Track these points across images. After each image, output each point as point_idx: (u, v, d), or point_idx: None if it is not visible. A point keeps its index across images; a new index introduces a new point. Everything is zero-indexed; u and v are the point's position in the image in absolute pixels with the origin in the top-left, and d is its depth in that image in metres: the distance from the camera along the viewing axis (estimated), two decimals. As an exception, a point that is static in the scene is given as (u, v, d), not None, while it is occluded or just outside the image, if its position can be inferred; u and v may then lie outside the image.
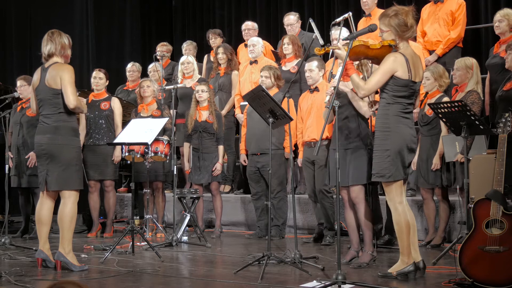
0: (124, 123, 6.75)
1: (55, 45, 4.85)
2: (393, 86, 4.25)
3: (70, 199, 4.83)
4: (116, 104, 7.08)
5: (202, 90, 6.89)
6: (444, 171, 5.65)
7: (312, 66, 6.04)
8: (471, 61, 5.68)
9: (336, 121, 4.25)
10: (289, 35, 7.48)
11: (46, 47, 4.87)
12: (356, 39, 4.31)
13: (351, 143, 4.83)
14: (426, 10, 7.22)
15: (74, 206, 4.85)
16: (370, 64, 4.83)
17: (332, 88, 4.75)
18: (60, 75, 4.74)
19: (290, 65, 7.32)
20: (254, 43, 7.66)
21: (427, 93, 5.79)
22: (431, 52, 7.07)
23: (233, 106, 7.89)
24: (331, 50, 4.65)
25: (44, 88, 4.82)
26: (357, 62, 4.89)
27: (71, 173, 4.80)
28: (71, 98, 4.72)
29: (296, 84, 7.00)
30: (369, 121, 5.01)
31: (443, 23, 6.98)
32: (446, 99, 5.61)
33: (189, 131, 6.93)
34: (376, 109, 4.81)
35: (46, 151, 4.79)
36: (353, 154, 4.81)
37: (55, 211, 4.96)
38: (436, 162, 5.63)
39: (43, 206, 4.89)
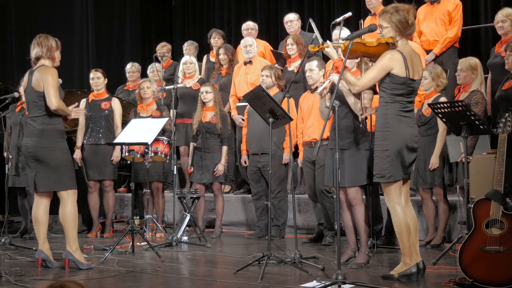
0: (124, 123, 6.75)
1: (41, 48, 4.90)
2: (391, 84, 4.23)
3: (68, 199, 4.86)
4: (116, 105, 7.08)
5: (206, 91, 6.89)
6: (447, 171, 5.65)
7: (312, 65, 6.00)
8: (475, 61, 5.67)
9: (335, 121, 4.23)
10: (292, 35, 7.44)
11: (33, 51, 4.93)
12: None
13: (347, 143, 4.74)
14: (422, 11, 7.20)
15: (73, 206, 4.89)
16: (370, 63, 4.81)
17: (328, 81, 4.70)
18: (43, 78, 4.80)
19: (294, 65, 7.25)
20: (250, 44, 7.65)
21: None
22: (428, 51, 7.06)
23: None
24: (325, 48, 4.55)
25: (31, 90, 4.89)
26: (357, 60, 4.88)
27: (61, 174, 4.84)
28: (53, 100, 4.76)
29: (299, 84, 6.96)
30: (367, 121, 4.98)
31: (440, 22, 6.96)
32: (443, 99, 5.60)
33: (194, 132, 6.95)
34: (371, 113, 4.79)
35: (32, 154, 4.84)
36: (349, 155, 4.73)
37: (53, 211, 4.98)
38: (434, 162, 5.62)
39: (39, 206, 4.92)
